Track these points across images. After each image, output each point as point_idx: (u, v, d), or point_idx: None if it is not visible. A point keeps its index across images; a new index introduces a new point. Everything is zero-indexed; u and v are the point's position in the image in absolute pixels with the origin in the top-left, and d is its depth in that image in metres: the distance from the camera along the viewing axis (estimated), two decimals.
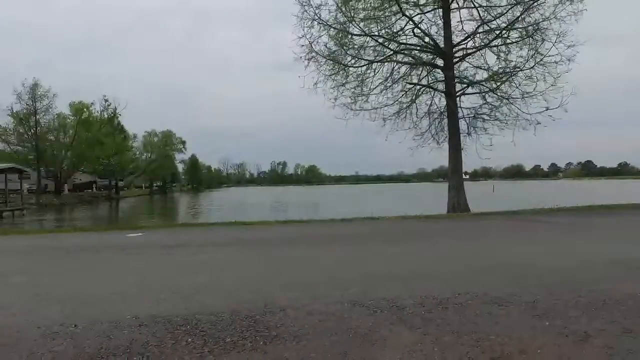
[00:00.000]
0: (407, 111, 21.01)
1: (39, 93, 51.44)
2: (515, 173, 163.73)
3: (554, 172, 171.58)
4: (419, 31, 20.00)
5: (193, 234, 12.50)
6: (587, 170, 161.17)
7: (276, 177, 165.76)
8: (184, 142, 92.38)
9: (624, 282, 5.59)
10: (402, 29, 20.11)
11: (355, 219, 15.78)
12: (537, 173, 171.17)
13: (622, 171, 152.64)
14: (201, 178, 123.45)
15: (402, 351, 3.57)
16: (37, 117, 51.89)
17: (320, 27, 19.26)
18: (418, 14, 19.98)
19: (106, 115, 64.51)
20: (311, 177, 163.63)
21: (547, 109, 18.25)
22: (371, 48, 20.21)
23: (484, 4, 19.29)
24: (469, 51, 20.43)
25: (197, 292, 5.54)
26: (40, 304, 5.08)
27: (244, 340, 3.88)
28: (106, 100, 64.09)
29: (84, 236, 12.60)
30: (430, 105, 21.31)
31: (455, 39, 20.19)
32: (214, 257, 8.41)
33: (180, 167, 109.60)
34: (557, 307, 4.61)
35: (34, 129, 51.74)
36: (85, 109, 60.06)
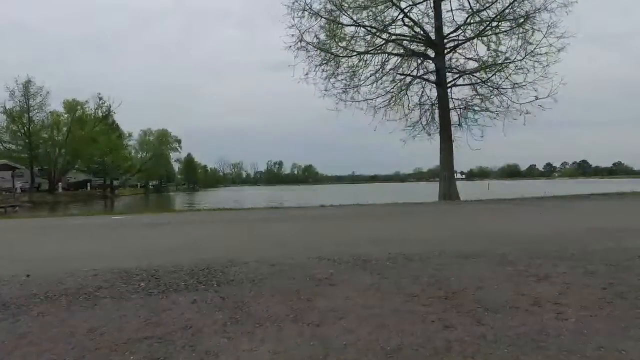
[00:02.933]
0: (399, 102, 20.92)
1: (31, 90, 51.08)
2: (511, 173, 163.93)
3: (549, 171, 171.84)
4: (409, 21, 19.94)
5: (178, 217, 12.36)
6: (582, 169, 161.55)
7: (273, 176, 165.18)
8: (179, 141, 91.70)
9: (598, 241, 5.53)
10: (393, 20, 20.04)
11: (346, 205, 15.69)
12: (532, 173, 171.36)
13: (617, 170, 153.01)
14: (197, 177, 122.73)
15: (358, 289, 3.49)
16: (30, 114, 51.52)
17: (311, 18, 19.20)
18: (409, 5, 19.94)
19: (100, 114, 64.01)
20: (308, 176, 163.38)
21: (537, 98, 18.24)
22: (362, 39, 20.14)
23: None
24: (460, 42, 20.38)
25: (165, 253, 5.44)
26: (2, 264, 4.97)
27: (199, 284, 3.78)
28: (100, 99, 63.61)
29: (71, 218, 12.55)
30: (421, 96, 21.25)
31: (447, 29, 20.15)
32: (193, 230, 8.30)
33: (176, 167, 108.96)
34: (524, 258, 4.53)
35: (27, 126, 51.34)
36: (79, 107, 59.60)
